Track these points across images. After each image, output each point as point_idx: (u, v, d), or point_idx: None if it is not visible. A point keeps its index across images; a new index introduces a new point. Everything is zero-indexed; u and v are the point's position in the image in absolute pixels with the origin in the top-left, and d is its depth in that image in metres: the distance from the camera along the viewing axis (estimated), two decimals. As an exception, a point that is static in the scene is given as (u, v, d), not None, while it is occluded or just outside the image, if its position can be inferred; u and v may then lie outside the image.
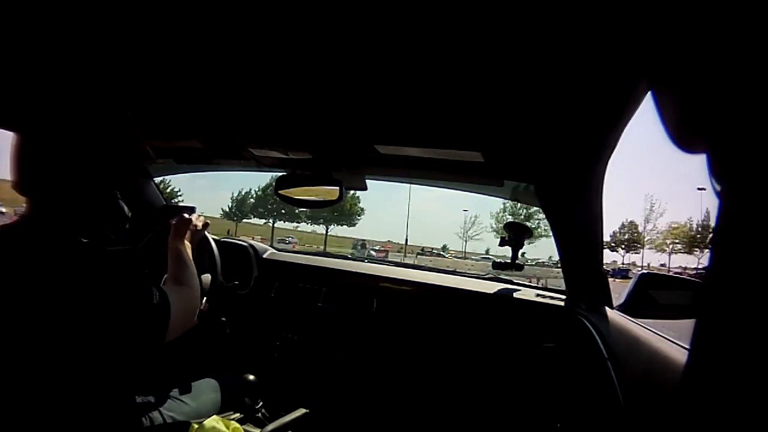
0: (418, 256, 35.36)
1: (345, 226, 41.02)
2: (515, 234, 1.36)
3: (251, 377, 1.29)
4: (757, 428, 0.21)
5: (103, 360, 0.72)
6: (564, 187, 1.05)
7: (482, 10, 0.53)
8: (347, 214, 38.97)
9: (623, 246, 44.04)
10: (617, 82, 0.61)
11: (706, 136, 0.24)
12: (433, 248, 47.60)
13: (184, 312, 0.85)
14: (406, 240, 41.75)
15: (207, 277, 1.49)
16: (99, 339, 0.69)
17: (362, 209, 39.92)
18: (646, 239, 41.57)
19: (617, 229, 45.46)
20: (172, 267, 0.97)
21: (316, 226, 41.34)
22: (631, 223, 45.12)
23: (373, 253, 31.98)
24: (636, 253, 44.60)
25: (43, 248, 0.69)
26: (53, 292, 0.66)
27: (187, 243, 1.05)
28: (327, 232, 40.96)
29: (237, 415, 1.24)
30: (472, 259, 38.94)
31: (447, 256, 42.07)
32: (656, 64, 0.28)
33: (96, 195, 0.79)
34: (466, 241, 47.03)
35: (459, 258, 40.53)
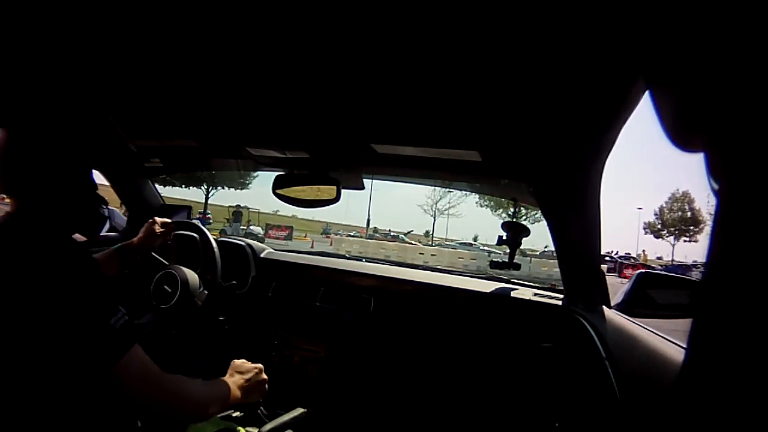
0: (343, 239, 22.80)
1: (234, 189, 28.55)
2: (513, 233, 1.36)
3: None
4: (754, 427, 0.21)
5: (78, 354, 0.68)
6: (561, 185, 1.05)
7: (478, 9, 0.53)
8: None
9: (673, 230, 28.67)
10: (614, 80, 0.61)
11: (704, 135, 0.24)
12: (391, 231, 35.47)
13: (160, 380, 0.73)
14: (368, 222, 34.34)
15: (194, 277, 1.48)
16: (72, 331, 0.67)
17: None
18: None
19: (665, 205, 29.36)
20: (220, 385, 0.91)
21: (196, 189, 26.78)
22: (686, 195, 28.92)
23: (256, 229, 20.56)
24: (693, 240, 28.75)
25: (24, 247, 0.69)
26: (25, 291, 0.66)
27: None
28: (207, 196, 27.91)
29: (236, 414, 1.24)
30: (444, 246, 25.85)
31: (408, 241, 28.48)
32: (653, 62, 0.28)
33: (76, 196, 0.78)
34: (435, 218, 34.78)
35: (426, 245, 26.93)
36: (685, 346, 0.25)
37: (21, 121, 0.75)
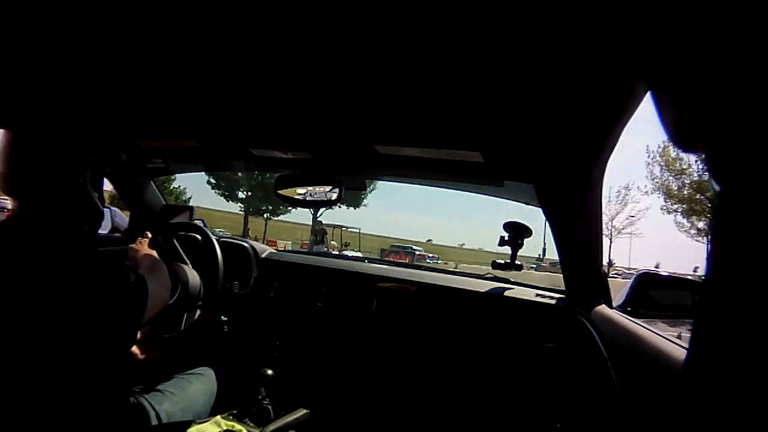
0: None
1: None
2: (515, 233, 1.36)
3: (270, 371, 1.30)
4: (756, 427, 0.21)
5: (92, 351, 0.73)
6: (563, 186, 1.05)
7: (481, 10, 0.53)
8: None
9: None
10: (617, 82, 0.61)
11: (705, 137, 0.25)
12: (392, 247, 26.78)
13: (159, 288, 0.96)
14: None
15: (195, 277, 1.47)
16: (86, 329, 0.71)
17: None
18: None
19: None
20: (144, 259, 1.15)
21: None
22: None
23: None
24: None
25: (33, 245, 0.70)
26: (44, 289, 0.67)
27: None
28: (266, 224, 26.43)
29: (234, 411, 1.24)
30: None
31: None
32: (656, 64, 0.28)
33: (73, 192, 0.80)
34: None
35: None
36: (686, 345, 0.25)
37: (26, 122, 0.75)
